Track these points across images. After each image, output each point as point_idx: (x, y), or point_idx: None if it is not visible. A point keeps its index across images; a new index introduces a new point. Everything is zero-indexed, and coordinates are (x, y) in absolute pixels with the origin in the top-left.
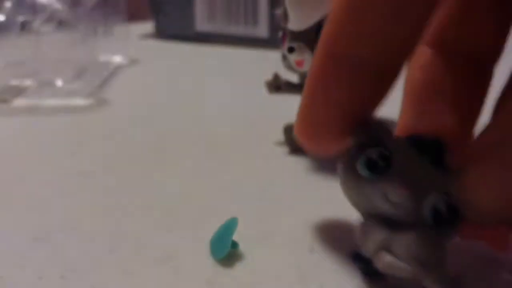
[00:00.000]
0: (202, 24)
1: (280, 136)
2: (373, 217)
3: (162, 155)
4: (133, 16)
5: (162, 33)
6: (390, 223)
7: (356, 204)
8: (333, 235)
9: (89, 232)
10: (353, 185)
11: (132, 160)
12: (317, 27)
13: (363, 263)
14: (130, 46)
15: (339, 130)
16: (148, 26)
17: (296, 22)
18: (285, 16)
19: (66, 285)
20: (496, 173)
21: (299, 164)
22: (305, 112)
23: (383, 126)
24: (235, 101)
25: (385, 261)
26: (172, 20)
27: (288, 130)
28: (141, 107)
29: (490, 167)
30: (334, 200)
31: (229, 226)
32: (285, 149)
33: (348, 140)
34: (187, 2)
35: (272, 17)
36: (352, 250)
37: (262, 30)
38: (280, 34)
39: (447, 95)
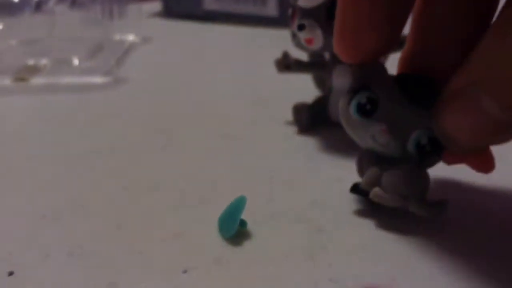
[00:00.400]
0: (210, 2)
1: (289, 115)
2: (370, 152)
3: (174, 135)
4: None
5: (170, 12)
6: (382, 159)
7: (356, 141)
8: (341, 215)
9: (96, 210)
10: (350, 126)
11: (144, 139)
12: (329, 3)
13: (360, 195)
14: (141, 25)
15: (380, 25)
16: (156, 5)
17: None
18: None
19: (73, 262)
20: (464, 112)
21: (308, 144)
22: (345, 17)
23: (377, 67)
24: (244, 80)
25: (375, 195)
26: None
27: (297, 109)
28: (154, 85)
29: (459, 108)
30: (343, 179)
31: (238, 204)
32: (294, 129)
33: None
34: None
35: None
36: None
37: (271, 8)
38: (289, 11)
39: (447, 29)
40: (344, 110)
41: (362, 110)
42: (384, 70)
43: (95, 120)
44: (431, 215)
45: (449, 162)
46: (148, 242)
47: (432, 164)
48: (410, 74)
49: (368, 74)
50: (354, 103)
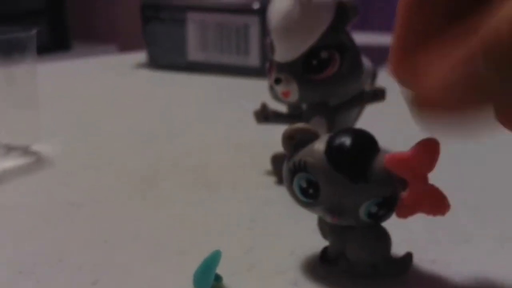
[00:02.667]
0: (194, 53)
1: (268, 165)
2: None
3: (155, 184)
4: (126, 46)
5: (155, 63)
6: (342, 228)
7: None
8: (316, 269)
9: (74, 265)
10: (298, 203)
11: (121, 191)
12: (303, 59)
13: (331, 265)
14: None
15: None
16: (142, 56)
17: (282, 54)
18: (272, 47)
19: None
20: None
21: (287, 194)
22: (401, 42)
23: (312, 140)
24: (224, 129)
25: (343, 268)
26: (164, 49)
27: (276, 159)
28: (136, 134)
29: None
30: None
31: (213, 259)
32: (273, 179)
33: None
34: (180, 32)
35: (263, 47)
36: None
37: (253, 59)
38: (267, 65)
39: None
40: (288, 186)
41: (306, 194)
42: (319, 144)
43: (77, 171)
44: (398, 274)
45: (402, 216)
46: None
47: (386, 219)
48: (343, 136)
49: (304, 154)
50: (296, 185)
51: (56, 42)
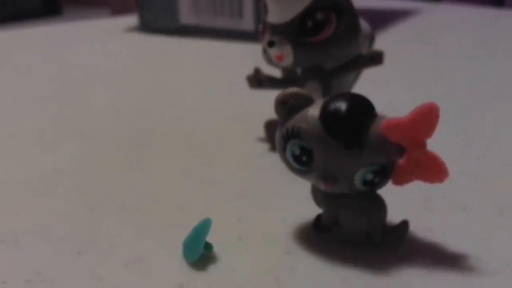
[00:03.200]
0: (187, 17)
1: (262, 132)
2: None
3: (140, 153)
4: (118, 10)
5: (146, 27)
6: (336, 195)
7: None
8: (309, 237)
9: (58, 234)
10: (291, 170)
11: (108, 159)
12: (298, 20)
13: (323, 232)
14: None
15: None
16: (133, 20)
17: (276, 15)
18: (265, 8)
19: None
20: None
21: (280, 161)
22: None
23: (304, 105)
24: (217, 96)
25: (337, 237)
26: (156, 12)
27: (269, 126)
28: (126, 101)
29: None
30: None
31: (202, 227)
32: (266, 146)
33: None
34: None
35: (258, 10)
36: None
37: (247, 23)
38: (260, 27)
39: None
40: (281, 153)
41: (299, 161)
42: (313, 109)
43: (55, 140)
44: (393, 243)
45: (399, 183)
46: (110, 267)
47: (382, 187)
48: (338, 101)
49: (298, 120)
50: (289, 152)
51: (47, 7)
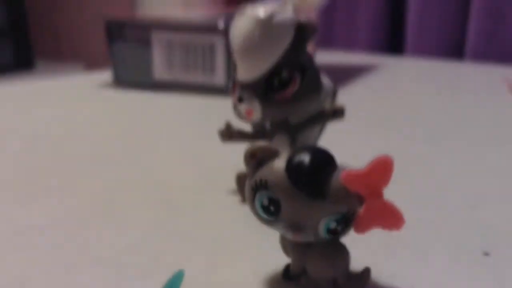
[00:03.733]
0: (160, 72)
1: (233, 184)
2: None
3: (116, 204)
4: (92, 65)
5: (120, 82)
6: (303, 245)
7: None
8: (280, 286)
9: None
10: (260, 220)
11: (82, 213)
12: (265, 78)
13: (293, 281)
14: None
15: None
16: (106, 75)
17: (244, 73)
18: (235, 67)
19: None
20: None
21: (250, 213)
22: None
23: (272, 160)
24: (190, 149)
25: (305, 285)
26: (130, 69)
27: (240, 178)
28: (97, 154)
29: None
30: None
31: (176, 279)
32: (237, 198)
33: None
34: (145, 51)
35: (229, 66)
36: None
37: (219, 78)
38: (230, 84)
39: None
40: (250, 204)
41: (267, 211)
42: (279, 162)
43: (34, 193)
44: (359, 287)
45: (360, 231)
46: None
47: (345, 235)
48: (302, 154)
49: (265, 172)
50: (257, 203)
51: (19, 61)
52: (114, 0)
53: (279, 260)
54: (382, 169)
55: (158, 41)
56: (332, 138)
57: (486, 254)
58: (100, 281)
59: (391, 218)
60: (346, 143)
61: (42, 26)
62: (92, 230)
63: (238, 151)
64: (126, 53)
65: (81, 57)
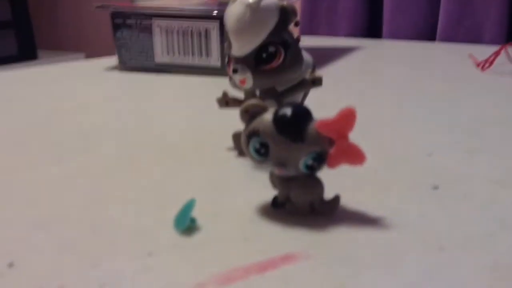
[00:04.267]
0: (161, 56)
1: (230, 144)
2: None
3: (132, 160)
4: (93, 55)
5: (124, 66)
6: (287, 179)
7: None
8: (270, 211)
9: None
10: (252, 161)
11: (106, 166)
12: (255, 53)
13: (280, 208)
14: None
15: None
16: (110, 61)
17: (238, 50)
18: (229, 45)
19: None
20: None
21: (245, 163)
22: None
23: (264, 113)
24: (191, 118)
25: (290, 209)
26: (133, 53)
27: (236, 136)
28: (107, 127)
29: None
30: (271, 186)
31: (189, 205)
32: (234, 153)
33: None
34: (147, 37)
35: (222, 50)
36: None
37: (214, 60)
38: (226, 59)
39: None
40: (245, 149)
41: (259, 153)
42: (267, 115)
43: (62, 152)
44: (330, 210)
45: (331, 166)
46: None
47: (320, 170)
48: (285, 108)
49: (257, 122)
50: (251, 147)
51: (23, 52)
52: None
53: (269, 193)
54: (347, 117)
55: (158, 28)
56: (314, 103)
57: (436, 187)
58: (126, 214)
59: (355, 156)
60: (328, 111)
61: (44, 19)
62: (117, 178)
63: (233, 116)
64: (130, 39)
65: (82, 47)
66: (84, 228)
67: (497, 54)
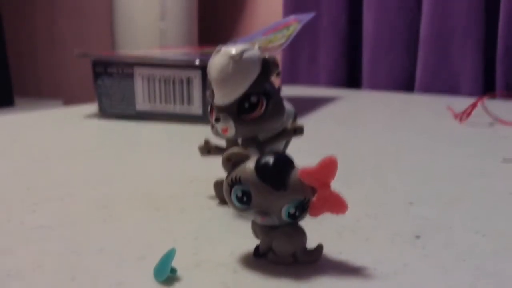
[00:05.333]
0: (142, 104)
1: (211, 192)
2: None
3: (110, 210)
4: (71, 102)
5: (105, 113)
6: (269, 228)
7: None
8: (251, 261)
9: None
10: (235, 209)
11: (83, 216)
12: (237, 102)
13: (261, 257)
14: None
15: None
16: (90, 108)
17: (220, 99)
18: (212, 94)
19: None
20: None
21: (227, 211)
22: None
23: (245, 162)
24: (172, 167)
25: (272, 259)
26: (114, 101)
27: (217, 184)
28: (87, 174)
29: None
30: (252, 236)
31: (169, 254)
32: (215, 201)
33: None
34: (128, 85)
35: (204, 98)
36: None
37: (196, 108)
38: (209, 108)
39: None
40: (227, 197)
41: (241, 201)
42: (250, 163)
43: (39, 197)
44: (313, 260)
45: (314, 215)
46: None
47: (302, 218)
48: (267, 156)
49: (239, 171)
50: (233, 195)
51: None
52: (92, 40)
53: (251, 243)
54: (329, 166)
55: (140, 76)
56: (296, 152)
57: (417, 237)
58: (104, 265)
59: (337, 205)
60: (308, 159)
61: (22, 65)
62: (94, 229)
63: (214, 164)
64: (111, 87)
65: (60, 94)
66: (61, 279)
67: (474, 106)
